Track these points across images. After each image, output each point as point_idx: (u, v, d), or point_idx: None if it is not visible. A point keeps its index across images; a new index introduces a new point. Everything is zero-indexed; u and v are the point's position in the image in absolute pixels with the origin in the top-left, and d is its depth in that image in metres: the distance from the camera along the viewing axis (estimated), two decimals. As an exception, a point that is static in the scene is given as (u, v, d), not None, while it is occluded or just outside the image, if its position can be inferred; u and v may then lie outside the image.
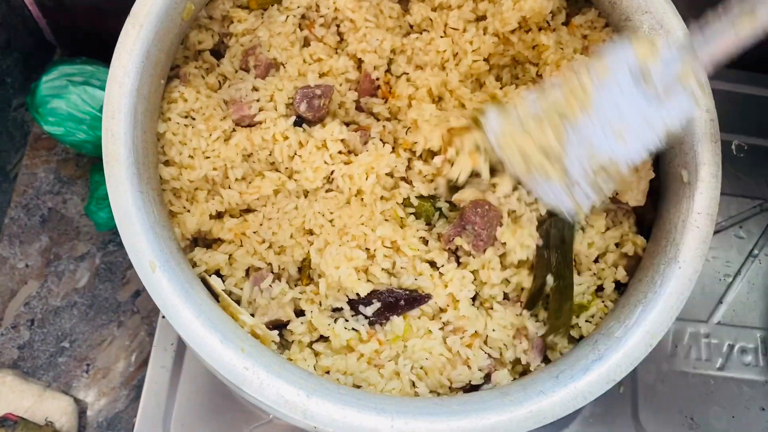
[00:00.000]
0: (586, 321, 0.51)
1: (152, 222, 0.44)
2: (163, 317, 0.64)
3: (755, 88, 0.77)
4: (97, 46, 0.90)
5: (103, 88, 0.82)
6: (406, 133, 0.51)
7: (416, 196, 0.51)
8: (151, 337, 0.82)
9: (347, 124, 0.53)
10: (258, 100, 0.52)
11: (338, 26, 0.55)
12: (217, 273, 0.50)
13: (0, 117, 0.82)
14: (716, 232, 0.72)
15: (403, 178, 0.51)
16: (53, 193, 0.87)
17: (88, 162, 0.89)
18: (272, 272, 0.50)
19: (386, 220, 0.50)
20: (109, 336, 0.81)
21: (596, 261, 0.52)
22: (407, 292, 0.48)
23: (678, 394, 0.66)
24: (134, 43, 0.47)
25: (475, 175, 0.50)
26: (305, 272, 0.50)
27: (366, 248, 0.49)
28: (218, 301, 0.47)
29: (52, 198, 0.87)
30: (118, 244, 0.85)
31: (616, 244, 0.53)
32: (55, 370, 0.79)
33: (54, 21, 0.86)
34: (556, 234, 0.49)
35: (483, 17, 0.55)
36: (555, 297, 0.49)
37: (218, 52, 0.56)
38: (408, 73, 0.54)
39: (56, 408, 0.74)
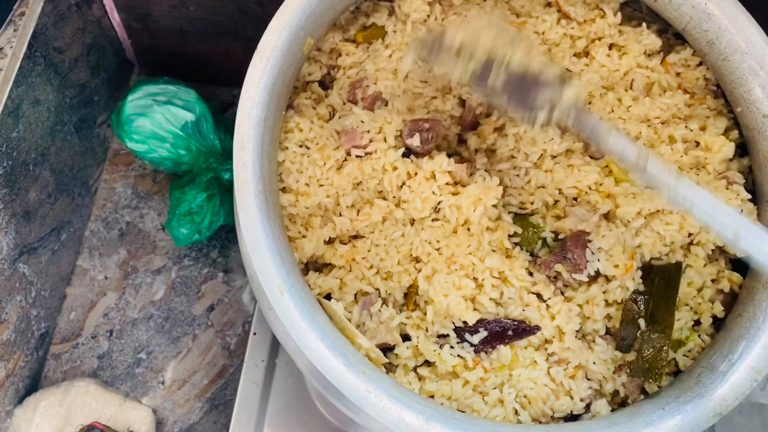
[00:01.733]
0: (684, 355, 0.52)
1: (279, 248, 0.46)
2: (255, 334, 0.67)
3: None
4: (176, 66, 0.94)
5: (184, 108, 0.85)
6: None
7: (515, 214, 0.53)
8: (224, 351, 0.84)
9: (450, 156, 0.55)
10: (368, 132, 0.54)
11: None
12: (328, 297, 0.51)
13: (86, 134, 0.85)
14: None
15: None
16: (131, 207, 0.90)
17: (165, 178, 0.92)
18: (380, 297, 0.51)
19: (493, 251, 0.51)
20: (184, 348, 0.84)
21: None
22: (515, 323, 0.49)
23: (756, 427, 0.67)
24: (261, 76, 0.49)
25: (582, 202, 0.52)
26: (411, 298, 0.52)
27: (474, 277, 0.50)
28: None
29: (130, 212, 0.90)
30: (193, 259, 0.88)
31: (712, 280, 0.54)
32: (133, 381, 0.81)
33: (138, 42, 0.90)
34: (660, 281, 0.50)
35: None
36: (643, 341, 0.50)
37: (324, 84, 0.59)
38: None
39: (137, 418, 0.76)
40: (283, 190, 0.53)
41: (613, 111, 0.56)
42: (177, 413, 0.80)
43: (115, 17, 0.86)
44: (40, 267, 0.78)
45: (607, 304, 0.51)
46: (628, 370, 0.50)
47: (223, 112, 0.95)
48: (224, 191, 0.85)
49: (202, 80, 0.95)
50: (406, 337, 0.51)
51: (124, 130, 0.84)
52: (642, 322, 0.50)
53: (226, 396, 0.81)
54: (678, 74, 0.59)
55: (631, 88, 0.57)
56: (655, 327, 0.49)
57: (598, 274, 0.51)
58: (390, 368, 0.51)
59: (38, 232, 0.77)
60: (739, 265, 0.55)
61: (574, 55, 0.57)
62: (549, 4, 0.59)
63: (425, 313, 0.51)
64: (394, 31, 0.56)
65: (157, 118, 0.84)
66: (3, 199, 0.69)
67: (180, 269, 0.87)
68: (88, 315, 0.84)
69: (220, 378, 0.82)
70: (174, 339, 0.84)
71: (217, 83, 0.96)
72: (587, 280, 0.50)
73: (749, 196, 0.53)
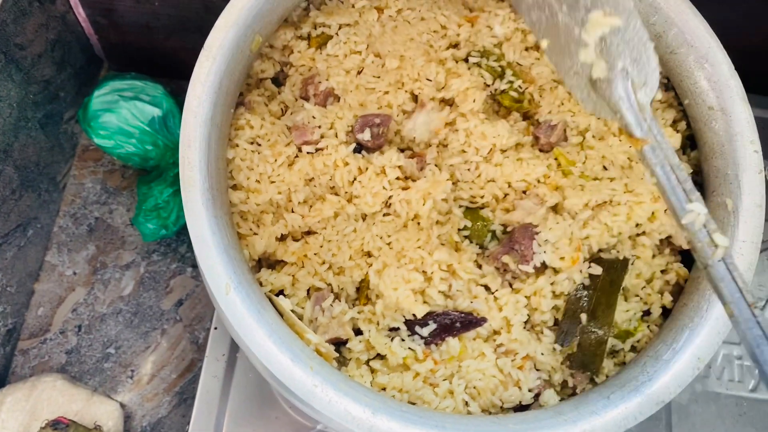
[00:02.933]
0: (633, 346, 0.53)
1: (226, 245, 0.47)
2: (216, 329, 0.67)
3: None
4: (144, 61, 0.93)
5: (151, 104, 0.85)
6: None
7: (465, 208, 0.53)
8: (193, 345, 0.85)
9: (402, 151, 0.56)
10: (319, 127, 0.54)
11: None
12: (280, 293, 0.52)
13: (53, 130, 0.85)
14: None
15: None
16: (100, 203, 0.90)
17: (134, 173, 0.92)
18: (332, 292, 0.52)
19: (442, 244, 0.52)
20: (153, 343, 0.84)
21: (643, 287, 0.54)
22: (463, 315, 0.50)
23: (711, 415, 0.68)
24: (207, 74, 0.49)
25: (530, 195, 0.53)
26: (363, 293, 0.52)
27: (423, 271, 0.51)
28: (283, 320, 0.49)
29: (99, 208, 0.90)
30: (161, 254, 0.88)
31: (662, 271, 0.55)
32: (101, 375, 0.82)
33: (105, 37, 0.89)
34: (605, 277, 0.51)
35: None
36: (583, 334, 0.51)
37: (277, 80, 0.59)
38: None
39: (104, 412, 0.76)
40: (234, 187, 0.53)
41: (563, 104, 0.56)
42: (145, 407, 0.81)
43: (80, 13, 0.85)
44: (5, 263, 0.78)
45: (555, 295, 0.52)
46: (568, 363, 0.50)
47: (191, 107, 0.95)
48: (191, 186, 0.85)
49: (171, 75, 0.95)
50: (358, 332, 0.52)
51: (91, 126, 0.84)
52: (584, 317, 0.50)
53: (195, 390, 0.81)
54: (629, 67, 0.59)
55: (582, 82, 0.58)
56: (595, 322, 0.50)
57: (545, 265, 0.52)
58: (343, 362, 0.52)
59: (2, 228, 0.77)
60: (688, 258, 0.56)
61: (525, 48, 0.58)
62: (501, -1, 0.60)
63: (376, 307, 0.51)
64: (341, 39, 0.57)
65: (124, 113, 0.84)
66: (-36, 196, 0.69)
67: (149, 264, 0.87)
68: (57, 310, 0.85)
69: (189, 372, 0.82)
70: (143, 334, 0.84)
71: (186, 78, 0.95)
72: (533, 271, 0.51)
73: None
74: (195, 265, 0.87)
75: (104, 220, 0.89)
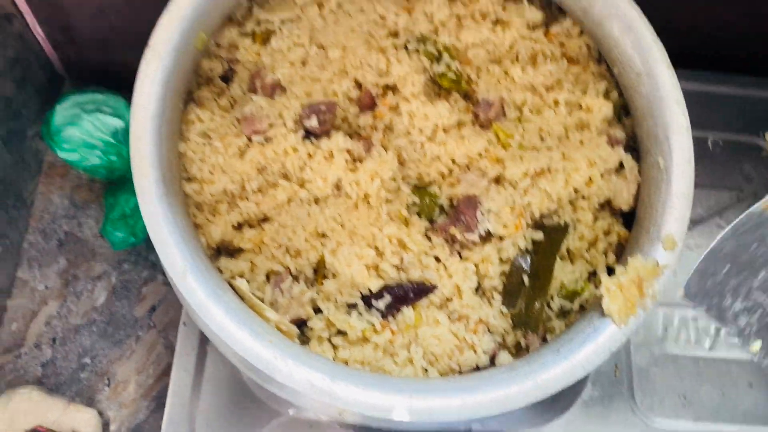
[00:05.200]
0: (581, 306, 0.55)
1: (181, 232, 0.49)
2: (185, 324, 0.69)
3: (727, 87, 0.83)
4: (105, 76, 0.95)
5: (113, 115, 0.87)
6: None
7: (414, 186, 0.56)
8: (168, 350, 0.86)
9: (351, 136, 0.58)
10: (268, 117, 0.56)
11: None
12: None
13: (17, 147, 0.86)
14: (698, 222, 0.78)
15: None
16: (69, 217, 0.91)
17: (101, 187, 0.93)
18: (290, 275, 0.54)
19: (392, 220, 0.54)
20: (128, 350, 0.85)
21: (587, 250, 0.57)
22: (415, 285, 0.52)
23: (671, 375, 0.71)
24: (155, 71, 0.51)
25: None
26: (320, 272, 0.54)
27: (375, 246, 0.53)
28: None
29: (68, 222, 0.91)
30: (132, 263, 0.89)
31: (605, 233, 0.58)
32: (78, 385, 0.83)
33: (64, 54, 0.91)
34: (546, 242, 0.53)
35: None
36: (527, 296, 0.53)
37: (226, 78, 0.61)
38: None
39: (81, 420, 0.77)
40: (188, 180, 0.55)
41: (499, 82, 0.59)
42: (123, 413, 0.81)
43: (38, 31, 0.87)
44: (-24, 281, 0.79)
45: (502, 261, 0.54)
46: (512, 323, 0.53)
47: (154, 118, 0.96)
48: (157, 193, 0.86)
49: (132, 88, 0.97)
50: (318, 310, 0.54)
51: (54, 140, 0.86)
52: (526, 279, 0.53)
53: (172, 391, 0.82)
54: (562, 44, 0.62)
55: (517, 60, 0.61)
56: (536, 283, 0.53)
57: (490, 234, 0.54)
58: (305, 342, 0.54)
59: (-29, 247, 0.78)
60: (627, 220, 0.58)
61: (460, 31, 0.61)
62: (437, -13, 0.63)
63: (333, 285, 0.53)
64: (284, 33, 0.59)
65: (86, 126, 0.85)
66: (-71, 215, 0.70)
67: (120, 274, 0.88)
68: (30, 325, 0.85)
69: (165, 376, 0.83)
70: (117, 342, 0.85)
71: (147, 90, 0.97)
72: (479, 240, 0.54)
73: (629, 156, 0.57)
74: (164, 272, 0.89)
75: (74, 234, 0.90)
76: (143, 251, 0.90)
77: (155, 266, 0.89)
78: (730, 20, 0.83)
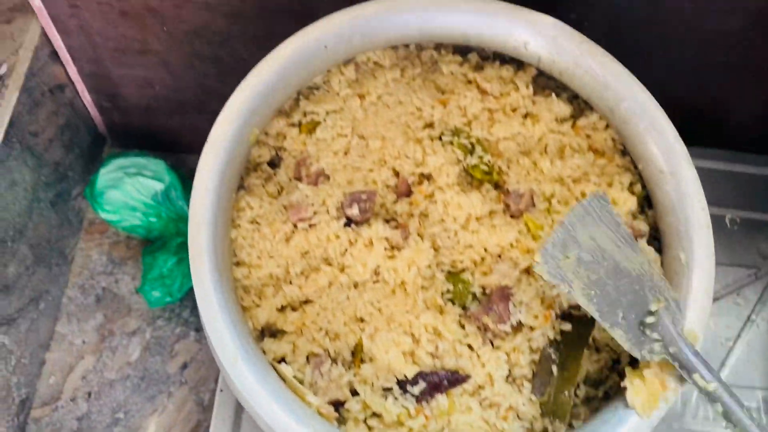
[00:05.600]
0: (605, 393, 0.58)
1: (232, 318, 0.52)
2: (221, 390, 0.71)
3: (745, 165, 0.87)
4: (146, 138, 1.00)
5: (154, 178, 0.92)
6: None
7: (447, 272, 0.59)
8: (198, 407, 0.89)
9: (388, 221, 0.62)
10: (312, 205, 0.60)
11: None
12: (282, 359, 0.57)
13: (62, 207, 0.90)
14: (716, 299, 0.80)
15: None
16: (106, 273, 0.95)
17: (138, 244, 0.97)
18: (330, 357, 0.57)
19: (428, 307, 0.57)
20: (160, 406, 0.88)
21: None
22: (450, 373, 0.55)
23: None
24: (212, 165, 0.56)
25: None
26: (358, 356, 0.57)
27: (411, 333, 0.56)
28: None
29: (106, 278, 0.95)
30: (166, 320, 0.93)
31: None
32: (111, 440, 0.85)
33: (109, 118, 0.96)
34: (574, 333, 0.56)
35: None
36: (555, 385, 0.56)
37: (273, 163, 0.65)
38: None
39: (115, 477, 0.79)
40: (237, 264, 0.58)
41: (529, 174, 0.63)
42: (155, 470, 0.84)
43: (86, 98, 0.92)
44: (19, 336, 0.83)
45: (532, 350, 0.57)
46: (541, 411, 0.55)
47: (192, 178, 1.01)
48: (193, 254, 0.90)
49: (172, 150, 1.02)
50: (355, 392, 0.57)
51: (98, 202, 0.90)
52: (555, 369, 0.56)
53: (202, 450, 0.85)
54: (588, 136, 0.66)
55: (545, 152, 0.64)
56: (564, 373, 0.55)
57: (521, 324, 0.57)
58: (342, 421, 0.57)
59: (17, 303, 0.82)
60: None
61: (492, 125, 0.64)
62: (470, 82, 0.67)
63: (370, 369, 0.56)
64: (328, 124, 0.63)
65: (128, 189, 0.90)
66: (-18, 277, 0.74)
67: (154, 330, 0.92)
68: (67, 378, 0.89)
69: (196, 433, 0.86)
70: (150, 397, 0.88)
71: (186, 152, 1.02)
72: (511, 330, 0.56)
73: (651, 249, 0.60)
74: (198, 329, 0.92)
75: (111, 290, 0.94)
76: (177, 308, 0.93)
77: (188, 323, 0.92)
78: (748, 99, 0.86)
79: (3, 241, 0.77)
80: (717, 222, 0.87)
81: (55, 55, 0.84)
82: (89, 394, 0.88)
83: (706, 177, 0.89)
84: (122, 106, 0.93)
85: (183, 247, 0.89)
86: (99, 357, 0.90)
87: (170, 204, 0.92)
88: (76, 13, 0.77)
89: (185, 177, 0.95)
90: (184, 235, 0.91)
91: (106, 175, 0.90)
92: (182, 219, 0.92)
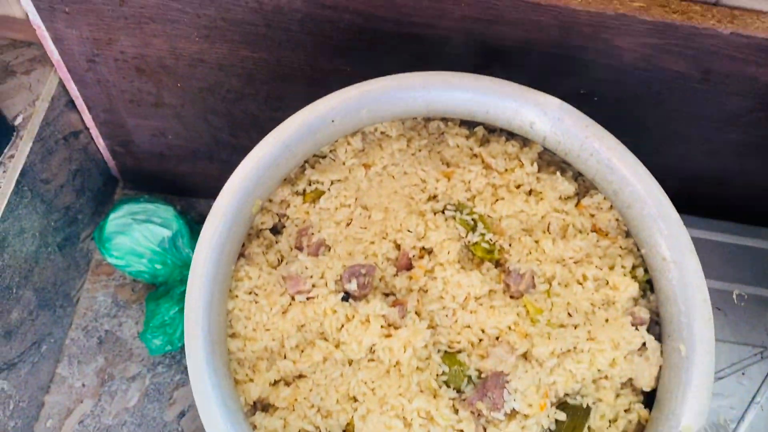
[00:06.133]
0: (600, 484, 0.57)
1: (225, 397, 0.52)
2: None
3: (755, 240, 0.85)
4: (157, 182, 1.01)
5: (162, 225, 0.92)
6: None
7: (444, 352, 0.59)
8: (193, 457, 0.88)
9: (387, 295, 0.62)
10: (311, 277, 0.60)
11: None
12: (273, 435, 0.57)
13: (70, 250, 0.91)
14: (720, 378, 0.78)
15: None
16: (110, 316, 0.96)
17: (143, 288, 0.98)
18: (321, 435, 0.56)
19: (421, 391, 0.57)
20: (155, 455, 0.87)
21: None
22: (440, 460, 0.54)
23: None
24: (212, 237, 0.56)
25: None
26: (349, 435, 0.57)
27: (403, 417, 0.56)
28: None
29: (109, 321, 0.96)
30: (166, 366, 0.93)
31: (626, 410, 0.59)
32: (104, 489, 0.85)
33: (121, 162, 0.98)
34: (569, 423, 0.55)
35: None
36: None
37: (275, 229, 0.66)
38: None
39: None
40: (232, 335, 0.59)
41: (530, 253, 0.62)
42: None
43: (100, 143, 0.94)
44: (19, 380, 0.83)
45: (525, 439, 0.56)
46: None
47: (200, 223, 1.02)
48: (196, 303, 0.91)
49: (182, 194, 1.03)
50: (345, 470, 0.56)
51: (105, 247, 0.91)
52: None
53: (193, 504, 0.84)
54: (592, 215, 0.66)
55: (548, 231, 0.64)
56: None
57: (515, 411, 0.56)
58: (332, 500, 0.56)
59: (18, 348, 0.82)
60: (649, 399, 0.60)
61: (495, 201, 0.64)
62: (475, 155, 0.67)
63: (361, 449, 0.56)
64: (332, 194, 0.64)
65: (136, 235, 0.91)
66: (-14, 324, 0.74)
67: (153, 376, 0.92)
68: (65, 422, 0.89)
69: (188, 485, 0.86)
70: (145, 446, 0.88)
71: (196, 195, 1.03)
72: (504, 417, 0.56)
73: (652, 338, 0.59)
74: (197, 377, 0.92)
75: (113, 333, 0.95)
76: (177, 355, 0.93)
77: (187, 370, 0.92)
78: (757, 174, 0.86)
79: (8, 288, 0.78)
80: (724, 298, 0.86)
81: (71, 103, 0.86)
82: (85, 439, 0.88)
83: (714, 250, 0.87)
84: (135, 152, 0.94)
85: (186, 296, 0.90)
86: (97, 401, 0.90)
87: (176, 251, 0.92)
88: (93, 67, 0.79)
89: (193, 223, 0.96)
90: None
91: (115, 220, 0.91)
92: (187, 266, 0.93)
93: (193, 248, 0.93)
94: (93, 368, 0.92)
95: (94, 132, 0.92)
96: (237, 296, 0.59)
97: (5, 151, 0.76)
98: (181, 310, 0.89)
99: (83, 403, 0.90)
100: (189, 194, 1.04)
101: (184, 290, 0.91)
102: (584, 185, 0.68)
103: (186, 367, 0.92)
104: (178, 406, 0.91)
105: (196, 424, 0.90)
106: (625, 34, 0.66)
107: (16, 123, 0.78)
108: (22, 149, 0.78)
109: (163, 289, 0.93)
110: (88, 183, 0.94)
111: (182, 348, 0.92)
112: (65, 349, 0.93)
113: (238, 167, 0.59)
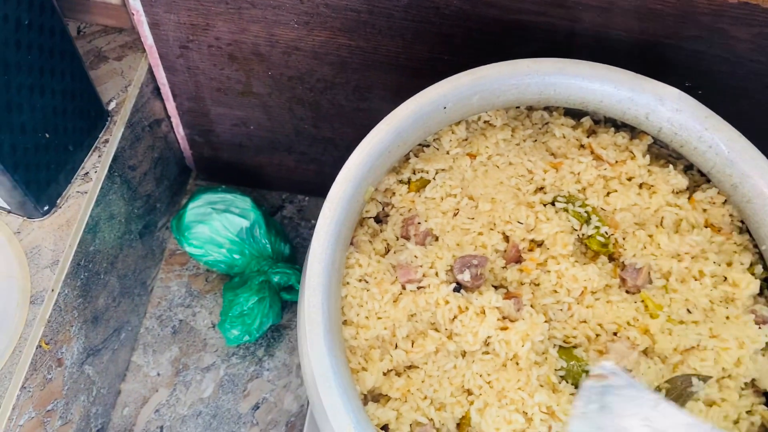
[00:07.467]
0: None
1: (345, 385, 0.51)
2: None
3: None
4: (231, 172, 1.01)
5: (240, 215, 0.92)
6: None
7: (559, 347, 0.57)
8: (268, 450, 0.87)
9: (496, 287, 0.60)
10: (421, 266, 0.59)
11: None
12: (385, 426, 0.55)
13: (148, 238, 0.91)
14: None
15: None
16: (184, 305, 0.96)
17: (216, 278, 0.97)
18: (434, 428, 0.55)
19: (541, 385, 0.55)
20: (231, 447, 0.87)
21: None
22: (563, 457, 0.53)
23: None
24: (329, 224, 0.55)
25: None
26: (463, 429, 0.55)
27: (524, 411, 0.54)
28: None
29: (183, 310, 0.95)
30: (240, 357, 0.92)
31: (747, 411, 0.57)
32: (181, 479, 0.85)
33: (198, 152, 0.98)
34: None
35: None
36: None
37: (378, 218, 0.64)
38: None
39: None
40: (345, 323, 0.57)
41: (645, 247, 0.60)
42: None
43: (179, 132, 0.94)
44: (101, 367, 0.83)
45: None
46: None
47: (272, 215, 1.02)
48: (274, 293, 0.90)
49: (254, 185, 1.03)
50: (459, 464, 0.55)
51: (184, 236, 0.91)
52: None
53: (272, 497, 0.83)
54: (705, 210, 0.63)
55: (661, 225, 0.62)
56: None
57: (639, 409, 0.54)
58: (444, 494, 0.54)
59: (103, 334, 0.82)
60: (772, 398, 0.58)
61: (607, 194, 0.63)
62: (582, 146, 0.65)
63: (477, 443, 0.54)
64: (438, 183, 0.63)
65: (215, 225, 0.90)
66: (78, 308, 0.74)
67: (228, 367, 0.91)
68: (141, 411, 0.89)
69: (266, 478, 0.85)
70: (222, 437, 0.87)
71: (269, 188, 1.03)
72: (629, 415, 0.54)
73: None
74: (271, 369, 0.91)
75: (187, 323, 0.94)
76: (252, 346, 0.93)
77: (261, 362, 0.92)
78: None
79: (97, 273, 0.78)
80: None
81: (157, 90, 0.86)
82: (161, 429, 0.88)
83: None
84: (214, 142, 0.94)
85: (264, 286, 0.89)
86: (172, 391, 0.90)
87: (254, 242, 0.92)
88: (184, 53, 0.78)
89: (268, 214, 0.96)
90: (265, 273, 0.91)
91: (194, 209, 0.91)
92: (263, 257, 0.92)
93: (269, 240, 0.93)
94: (167, 358, 0.92)
95: (175, 121, 0.92)
96: (348, 283, 0.58)
97: (100, 135, 0.77)
98: (260, 301, 0.89)
99: (158, 392, 0.90)
100: (261, 186, 1.03)
101: (263, 281, 0.90)
102: (694, 180, 0.66)
103: (260, 359, 0.92)
104: (253, 398, 0.90)
105: (270, 416, 0.89)
106: (743, 23, 0.63)
107: (110, 108, 0.78)
108: (115, 134, 0.78)
109: (239, 279, 0.92)
110: (166, 172, 0.94)
111: (258, 339, 0.92)
112: (140, 338, 0.93)
113: (353, 154, 0.58)
